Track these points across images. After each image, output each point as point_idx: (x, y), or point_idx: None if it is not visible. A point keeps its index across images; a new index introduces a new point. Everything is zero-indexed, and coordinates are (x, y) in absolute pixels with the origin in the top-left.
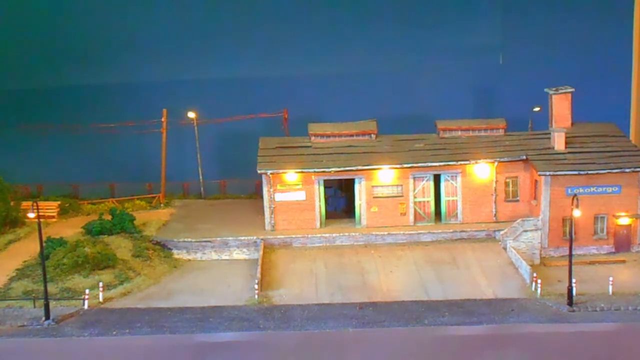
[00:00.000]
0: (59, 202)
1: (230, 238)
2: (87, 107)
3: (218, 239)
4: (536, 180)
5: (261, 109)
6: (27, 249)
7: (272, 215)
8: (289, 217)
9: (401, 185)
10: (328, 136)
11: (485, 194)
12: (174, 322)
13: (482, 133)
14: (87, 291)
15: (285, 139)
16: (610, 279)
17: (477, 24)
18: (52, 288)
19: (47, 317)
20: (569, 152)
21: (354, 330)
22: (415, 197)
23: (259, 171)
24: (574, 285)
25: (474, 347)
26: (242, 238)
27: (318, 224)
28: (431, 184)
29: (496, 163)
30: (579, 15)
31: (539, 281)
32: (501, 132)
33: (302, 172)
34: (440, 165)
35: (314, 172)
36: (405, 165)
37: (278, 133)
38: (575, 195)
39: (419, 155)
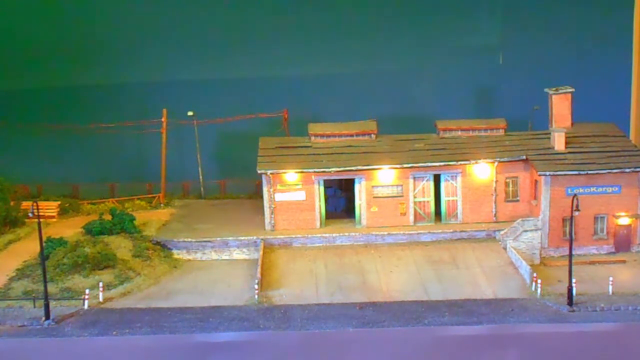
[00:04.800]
0: (59, 202)
1: (230, 238)
2: (87, 107)
3: (218, 239)
4: (536, 180)
5: (261, 109)
6: (27, 249)
7: (272, 215)
8: (289, 217)
9: (401, 185)
10: (328, 136)
11: (485, 194)
12: (174, 322)
13: (482, 133)
14: (87, 291)
15: (285, 139)
16: (610, 279)
17: (477, 24)
18: (52, 288)
19: (47, 317)
20: (569, 152)
21: (354, 330)
22: (415, 197)
23: (259, 171)
24: (574, 285)
25: (474, 347)
26: (242, 238)
27: (318, 224)
28: (431, 184)
29: (496, 163)
30: (579, 15)
31: (539, 281)
32: (501, 132)
33: (302, 172)
34: (440, 165)
35: (314, 172)
36: (405, 165)
37: (278, 133)
38: (575, 195)
39: (419, 155)
